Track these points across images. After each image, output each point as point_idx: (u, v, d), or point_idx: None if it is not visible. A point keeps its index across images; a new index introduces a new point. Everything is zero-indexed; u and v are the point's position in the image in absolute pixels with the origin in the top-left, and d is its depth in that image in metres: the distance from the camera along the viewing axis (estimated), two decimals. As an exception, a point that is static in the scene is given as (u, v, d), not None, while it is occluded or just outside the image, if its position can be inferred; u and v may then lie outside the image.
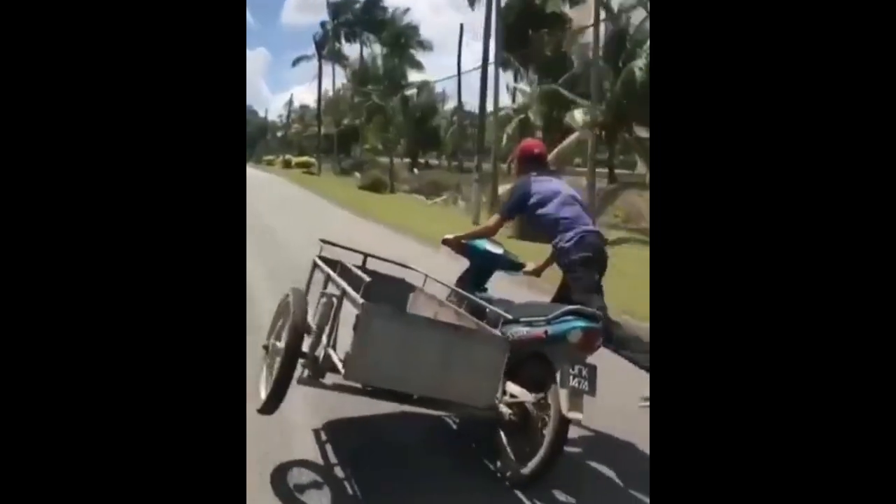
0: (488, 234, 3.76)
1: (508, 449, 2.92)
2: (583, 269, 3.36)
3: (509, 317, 2.90)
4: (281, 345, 2.74)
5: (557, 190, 3.56)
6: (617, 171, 22.85)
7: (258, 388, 2.87)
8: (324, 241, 3.52)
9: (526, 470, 2.78)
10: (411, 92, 37.07)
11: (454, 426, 3.43)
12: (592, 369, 2.79)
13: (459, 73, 35.58)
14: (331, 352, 2.62)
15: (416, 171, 34.54)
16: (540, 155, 3.83)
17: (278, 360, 2.68)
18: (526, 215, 3.63)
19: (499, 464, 2.94)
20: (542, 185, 3.58)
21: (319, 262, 3.39)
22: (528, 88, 26.49)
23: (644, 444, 3.22)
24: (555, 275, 3.68)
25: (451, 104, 38.16)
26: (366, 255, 3.61)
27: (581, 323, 2.86)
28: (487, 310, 3.11)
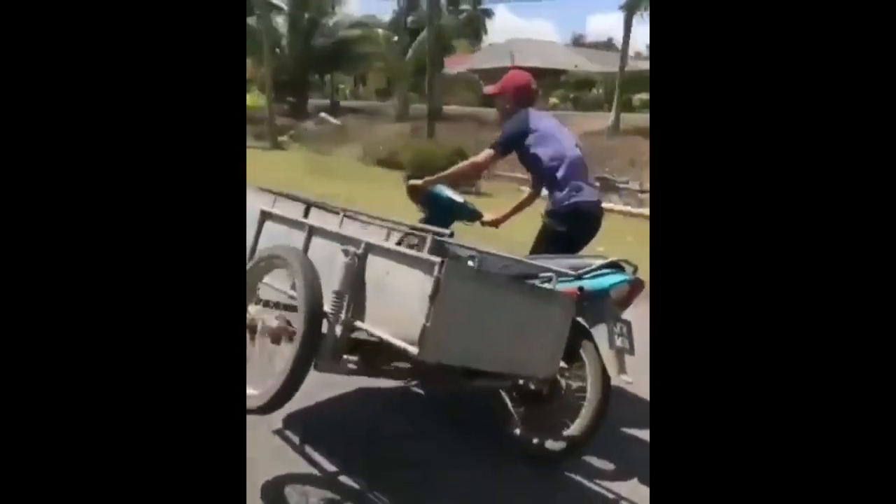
0: (477, 171, 3.33)
1: (523, 420, 2.57)
2: (562, 242, 3.00)
3: (570, 273, 2.48)
4: (285, 325, 2.28)
5: (558, 133, 3.19)
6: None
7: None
8: (264, 189, 2.88)
9: (562, 441, 2.48)
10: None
11: (422, 393, 3.09)
12: (629, 326, 2.51)
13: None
14: (366, 326, 2.15)
15: (326, 117, 22.04)
16: (536, 91, 3.39)
17: (288, 345, 2.21)
18: (520, 154, 3.18)
19: (518, 434, 2.57)
20: (541, 122, 3.19)
21: (283, 214, 2.71)
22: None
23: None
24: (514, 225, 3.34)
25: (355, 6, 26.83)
26: (308, 204, 2.92)
27: (622, 277, 2.58)
28: (525, 265, 2.62)
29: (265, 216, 2.74)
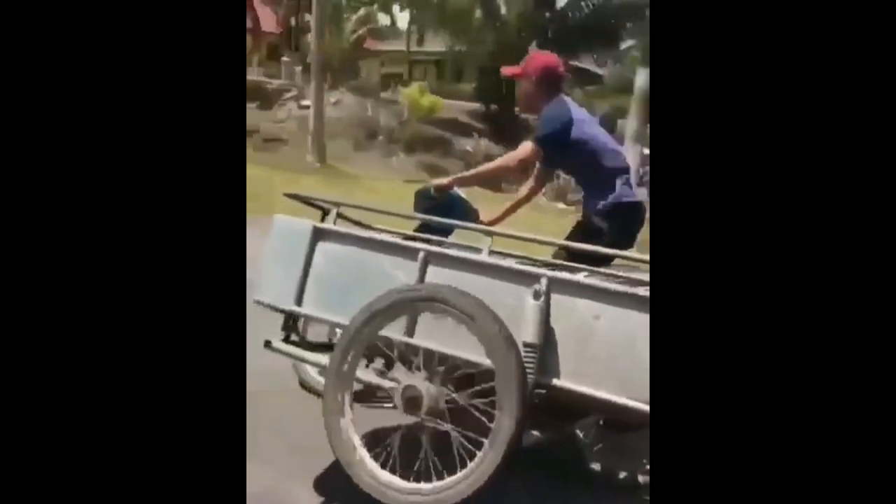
0: (517, 168, 2.83)
1: (604, 452, 2.30)
2: (612, 245, 2.61)
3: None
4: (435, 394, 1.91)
5: (598, 126, 2.91)
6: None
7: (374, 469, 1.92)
8: (290, 196, 2.42)
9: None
10: None
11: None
12: None
13: None
14: (567, 385, 1.81)
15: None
16: (563, 75, 3.01)
17: (496, 444, 1.77)
18: (563, 150, 2.81)
19: (600, 469, 2.30)
20: (581, 113, 2.86)
21: (362, 233, 2.24)
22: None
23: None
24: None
25: None
26: (338, 206, 2.33)
27: None
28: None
29: (320, 235, 2.17)
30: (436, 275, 2.01)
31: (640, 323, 1.70)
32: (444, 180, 2.86)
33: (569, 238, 2.81)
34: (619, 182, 2.82)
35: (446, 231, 2.68)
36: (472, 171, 3.00)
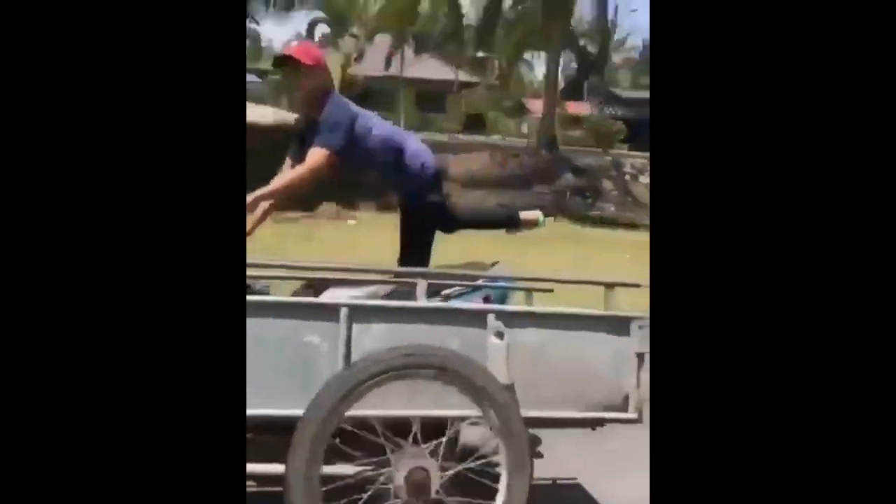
0: (315, 179, 2.59)
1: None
2: (429, 220, 2.76)
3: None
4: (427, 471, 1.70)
5: (374, 116, 2.81)
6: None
7: None
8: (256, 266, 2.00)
9: None
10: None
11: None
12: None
13: None
14: (535, 413, 1.82)
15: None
16: (325, 63, 2.75)
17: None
18: (354, 148, 2.63)
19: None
20: (355, 106, 2.72)
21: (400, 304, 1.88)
22: None
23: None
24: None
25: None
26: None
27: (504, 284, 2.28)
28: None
29: (356, 314, 1.75)
30: (363, 332, 1.72)
31: (595, 342, 1.84)
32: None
33: (414, 229, 2.78)
34: (417, 159, 2.77)
35: None
36: (267, 189, 2.58)
